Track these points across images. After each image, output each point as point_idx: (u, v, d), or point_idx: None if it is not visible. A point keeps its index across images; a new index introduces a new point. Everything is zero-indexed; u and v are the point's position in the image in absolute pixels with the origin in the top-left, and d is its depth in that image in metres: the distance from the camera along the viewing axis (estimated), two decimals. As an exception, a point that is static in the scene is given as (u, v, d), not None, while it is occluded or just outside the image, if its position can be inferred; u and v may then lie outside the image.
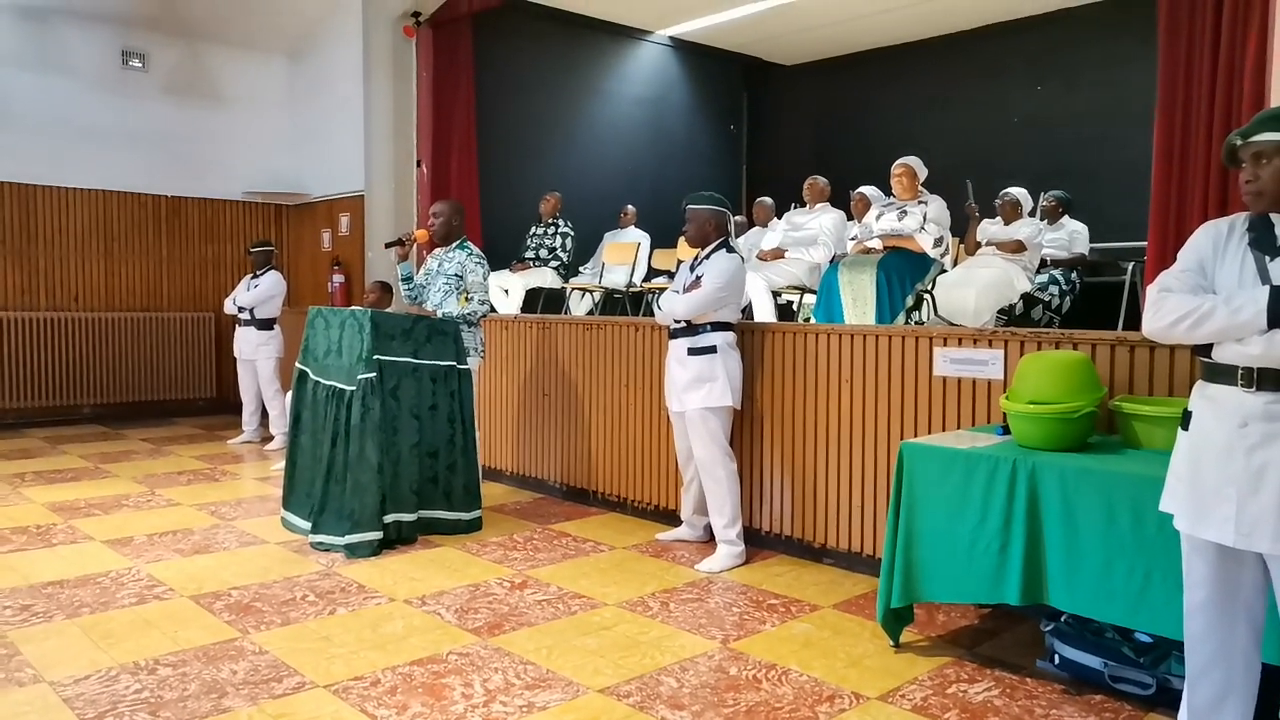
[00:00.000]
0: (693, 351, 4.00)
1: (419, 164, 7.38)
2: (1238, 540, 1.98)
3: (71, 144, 7.68)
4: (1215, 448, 2.03)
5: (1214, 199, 3.96)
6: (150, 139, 8.05)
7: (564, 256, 7.39)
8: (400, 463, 4.21)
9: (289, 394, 4.72)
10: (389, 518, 4.15)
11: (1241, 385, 1.99)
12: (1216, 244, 2.09)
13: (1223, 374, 2.03)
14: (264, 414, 7.01)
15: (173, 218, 8.32)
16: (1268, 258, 1.99)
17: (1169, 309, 2.05)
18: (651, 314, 6.48)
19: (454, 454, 4.41)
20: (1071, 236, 6.15)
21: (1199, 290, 2.06)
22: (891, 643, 3.06)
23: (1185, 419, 2.13)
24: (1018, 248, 5.51)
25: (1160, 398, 3.01)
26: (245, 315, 6.88)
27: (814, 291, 5.47)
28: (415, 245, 4.83)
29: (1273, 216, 2.02)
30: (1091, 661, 2.68)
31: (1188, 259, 2.12)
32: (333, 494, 4.17)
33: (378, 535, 4.08)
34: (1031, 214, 5.99)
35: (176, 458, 6.36)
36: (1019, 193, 5.78)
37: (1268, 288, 1.94)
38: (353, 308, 4.58)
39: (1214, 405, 2.05)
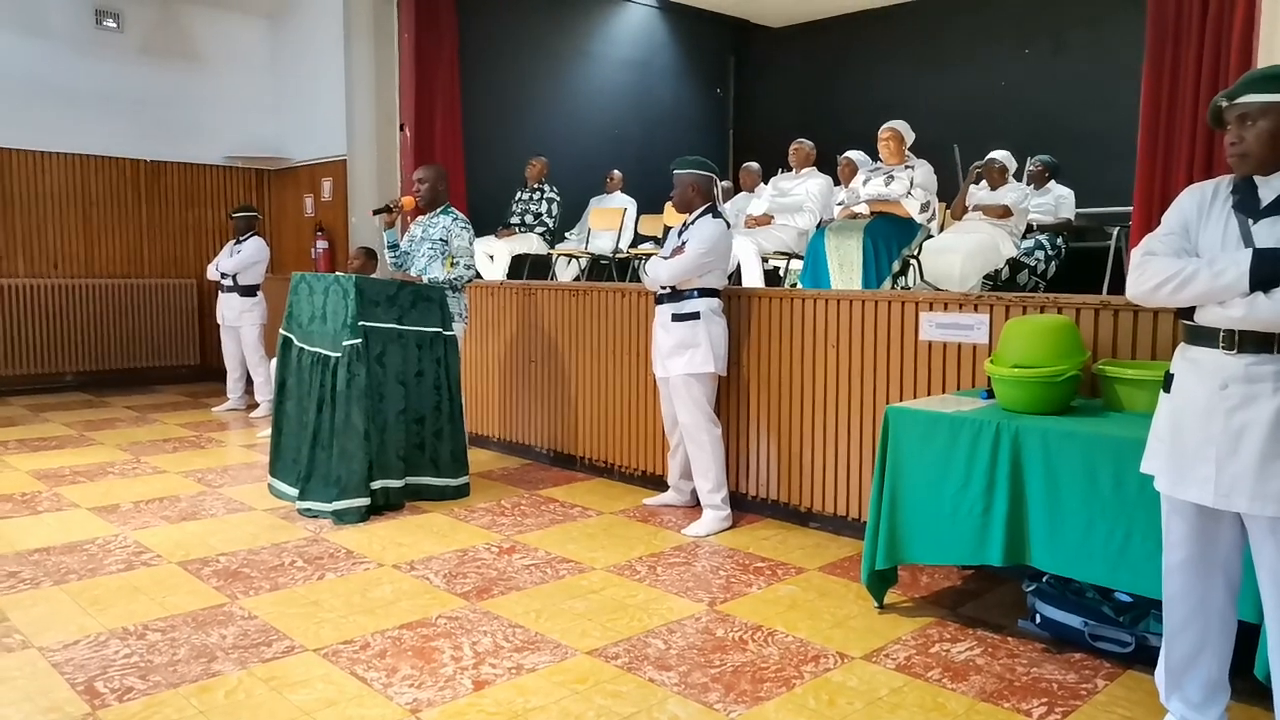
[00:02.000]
0: (676, 318, 4.00)
1: (402, 128, 7.29)
2: (1216, 500, 2.01)
3: (46, 107, 7.53)
4: (1196, 409, 2.05)
5: (1200, 161, 3.97)
6: (127, 102, 7.91)
7: (550, 222, 7.34)
8: (387, 429, 4.20)
9: (274, 360, 4.70)
10: (376, 484, 4.15)
11: (1223, 347, 2.00)
12: (1201, 207, 2.09)
13: (1204, 336, 2.04)
14: (249, 381, 6.98)
15: (152, 182, 8.20)
16: (1251, 220, 2.00)
17: (1152, 272, 2.06)
18: (638, 279, 6.46)
19: (440, 420, 4.40)
20: (1058, 201, 6.15)
21: (1182, 253, 2.07)
22: (876, 604, 3.10)
23: (1167, 381, 2.15)
24: (1004, 213, 5.51)
25: (1143, 361, 3.03)
26: (228, 281, 6.82)
27: (801, 257, 5.46)
28: (401, 212, 4.79)
29: (1257, 179, 2.02)
30: (1072, 621, 2.73)
31: (1172, 222, 2.12)
32: (319, 461, 4.17)
33: (365, 501, 4.09)
34: (1018, 178, 5.98)
35: (161, 425, 6.33)
36: (1003, 157, 5.76)
37: (1250, 251, 1.95)
38: (337, 273, 4.55)
39: (1196, 367, 2.06)
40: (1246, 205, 2.02)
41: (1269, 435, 1.94)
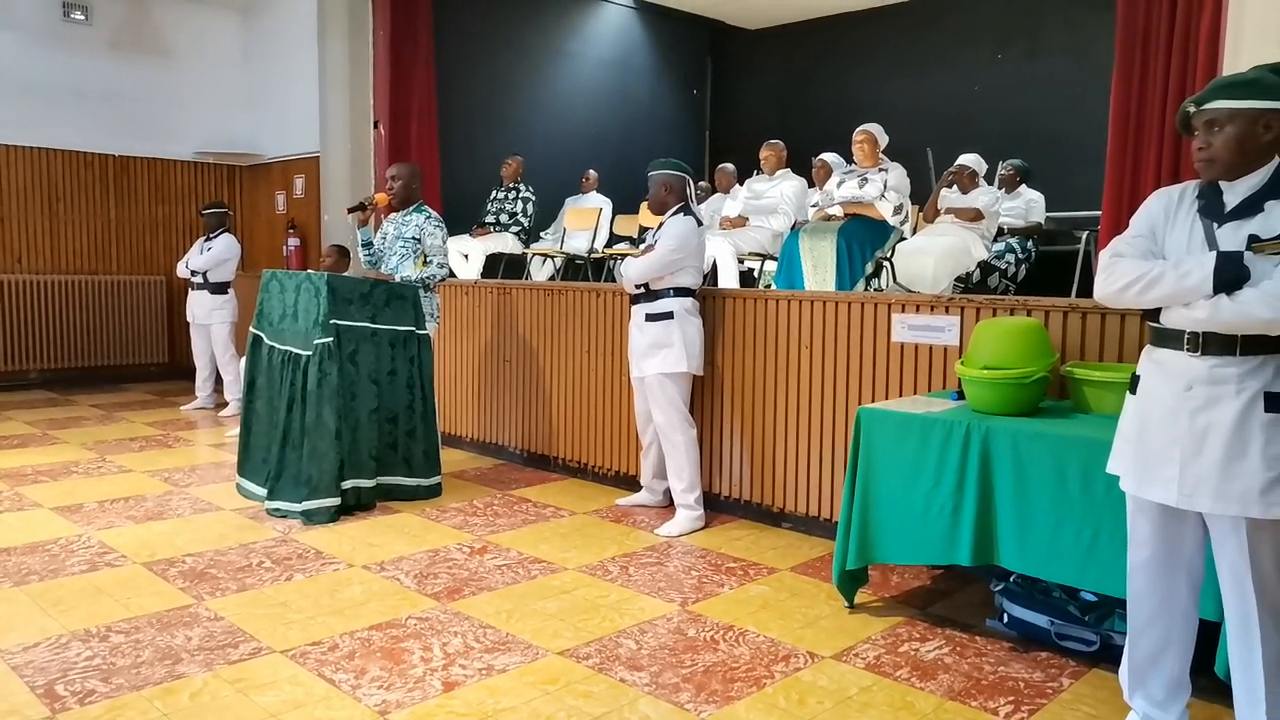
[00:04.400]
0: (650, 317, 4.00)
1: (376, 125, 7.23)
2: (1180, 500, 2.04)
3: (10, 100, 7.38)
4: (1161, 410, 2.07)
5: (1167, 166, 4.03)
6: (96, 96, 7.78)
7: (525, 221, 7.31)
8: (359, 429, 4.17)
9: (243, 359, 4.64)
10: (347, 484, 4.11)
11: (1187, 349, 2.03)
12: (1168, 210, 2.12)
13: (1170, 338, 2.07)
14: (218, 379, 6.89)
15: (121, 178, 8.07)
16: (1216, 224, 2.03)
17: (1120, 273, 2.09)
18: (613, 279, 6.45)
19: (413, 420, 4.37)
20: (1028, 205, 6.22)
21: (1149, 256, 2.10)
22: (846, 604, 3.11)
23: (1133, 383, 2.17)
24: (976, 216, 5.56)
25: (1110, 363, 3.07)
26: (198, 279, 6.73)
27: (775, 258, 5.48)
28: (375, 209, 4.75)
29: (1222, 184, 2.05)
30: (1039, 620, 2.76)
31: (1139, 225, 2.15)
32: (289, 460, 4.12)
33: (335, 501, 4.05)
34: (989, 181, 6.03)
35: (128, 424, 6.23)
36: (973, 161, 5.81)
37: (1214, 254, 1.98)
38: (308, 271, 4.50)
39: (1161, 369, 2.09)
40: (1212, 209, 2.05)
41: (1231, 436, 1.97)
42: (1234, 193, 2.03)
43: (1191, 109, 2.06)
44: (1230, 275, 1.94)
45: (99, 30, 7.76)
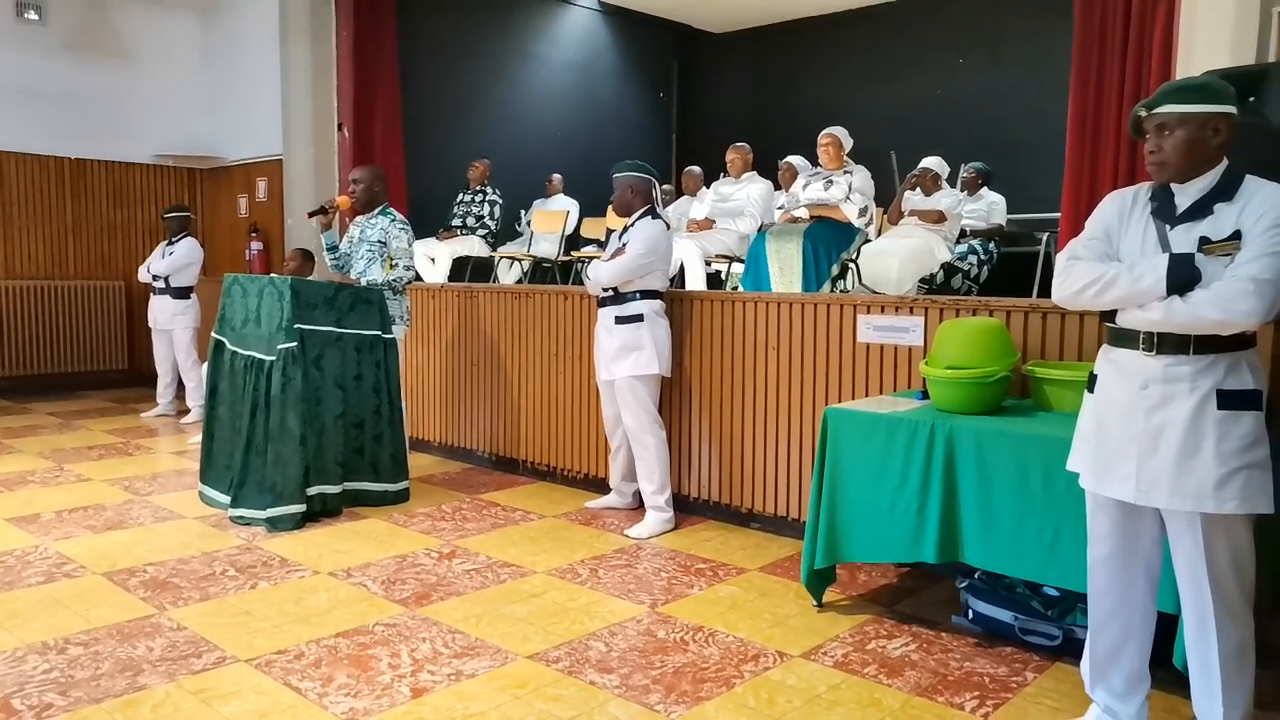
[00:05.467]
0: (620, 320, 4.00)
1: (340, 127, 7.16)
2: (1138, 497, 2.08)
3: (-38, 101, 7.23)
4: (1118, 409, 2.12)
5: (1123, 168, 4.12)
6: (51, 97, 7.61)
7: (492, 224, 7.28)
8: (324, 434, 4.12)
9: (206, 365, 4.58)
10: (313, 490, 4.06)
11: (1143, 349, 2.07)
12: (1121, 213, 2.16)
13: (1126, 338, 2.11)
14: (180, 386, 6.78)
15: (77, 181, 7.91)
16: (1168, 226, 2.07)
17: (1076, 276, 2.13)
18: (580, 282, 6.45)
19: (380, 425, 4.33)
20: (990, 207, 6.31)
21: (1105, 258, 2.14)
22: (815, 602, 3.14)
23: (1091, 382, 2.22)
24: (939, 218, 5.64)
25: (1070, 362, 3.13)
26: (160, 284, 6.62)
27: (742, 260, 5.51)
28: (338, 213, 4.70)
29: (1174, 186, 2.09)
30: (1003, 615, 2.80)
31: (1095, 227, 2.19)
32: (253, 466, 4.07)
33: (301, 508, 4.00)
34: (951, 184, 6.11)
35: (86, 432, 6.11)
36: (935, 164, 5.88)
37: (1167, 256, 2.02)
38: (272, 275, 4.45)
39: (1117, 369, 2.13)
40: (1164, 212, 2.09)
41: (1186, 434, 2.02)
42: (1185, 195, 2.07)
43: (1143, 113, 2.10)
44: (1183, 277, 1.98)
45: (53, 30, 7.60)
